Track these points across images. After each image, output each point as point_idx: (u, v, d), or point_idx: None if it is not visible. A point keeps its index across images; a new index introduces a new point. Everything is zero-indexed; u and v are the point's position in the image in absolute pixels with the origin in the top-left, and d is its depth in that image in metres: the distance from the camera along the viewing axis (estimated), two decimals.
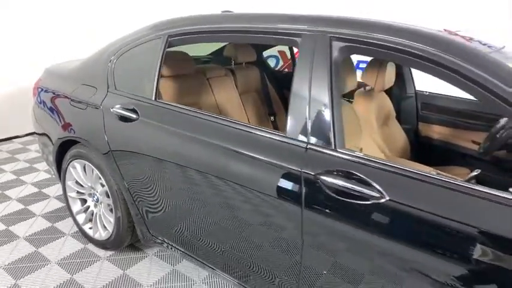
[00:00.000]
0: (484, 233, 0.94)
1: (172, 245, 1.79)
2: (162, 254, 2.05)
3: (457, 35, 1.29)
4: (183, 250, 1.74)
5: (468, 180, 1.06)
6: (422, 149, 2.19)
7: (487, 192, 0.94)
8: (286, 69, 3.92)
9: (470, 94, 1.06)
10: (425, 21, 1.48)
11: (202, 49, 2.90)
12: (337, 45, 1.24)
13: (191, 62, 2.14)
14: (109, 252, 2.05)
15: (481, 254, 0.93)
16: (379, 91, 1.93)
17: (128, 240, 1.99)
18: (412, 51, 1.11)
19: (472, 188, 0.96)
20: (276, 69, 4.00)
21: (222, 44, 2.72)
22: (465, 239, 0.96)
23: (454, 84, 1.07)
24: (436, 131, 2.20)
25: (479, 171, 1.25)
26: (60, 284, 1.82)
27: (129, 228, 1.93)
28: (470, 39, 1.31)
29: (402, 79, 2.25)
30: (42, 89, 2.27)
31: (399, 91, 2.28)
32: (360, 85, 1.94)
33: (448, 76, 1.06)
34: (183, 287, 1.81)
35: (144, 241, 1.94)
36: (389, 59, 1.55)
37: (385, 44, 1.15)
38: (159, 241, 1.84)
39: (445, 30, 1.34)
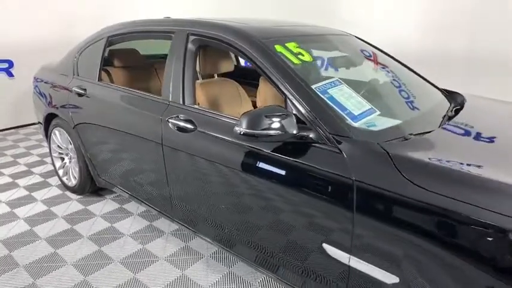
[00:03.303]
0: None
1: (120, 188, 2.48)
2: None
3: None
4: (128, 192, 2.40)
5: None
6: None
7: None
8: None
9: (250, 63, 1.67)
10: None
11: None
12: (191, 38, 1.91)
13: (140, 56, 2.87)
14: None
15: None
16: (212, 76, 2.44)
17: (89, 185, 2.74)
18: (222, 40, 1.75)
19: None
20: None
21: None
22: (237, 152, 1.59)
23: (242, 57, 1.70)
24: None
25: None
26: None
27: (88, 176, 2.68)
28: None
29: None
30: (37, 79, 3.09)
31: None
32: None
33: (238, 53, 1.69)
34: None
35: (100, 185, 2.67)
36: (207, 44, 1.96)
37: (209, 36, 1.81)
38: (110, 185, 2.55)
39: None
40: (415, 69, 2.28)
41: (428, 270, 1.10)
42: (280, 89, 1.50)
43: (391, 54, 2.32)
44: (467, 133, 1.52)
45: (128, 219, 2.54)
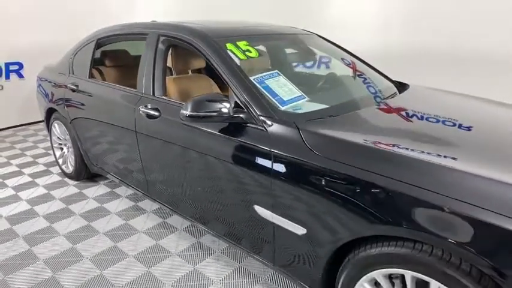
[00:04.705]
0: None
1: (110, 174, 2.81)
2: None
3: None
4: (116, 177, 2.73)
5: None
6: None
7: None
8: None
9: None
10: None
11: None
12: (161, 38, 2.22)
13: (129, 56, 3.21)
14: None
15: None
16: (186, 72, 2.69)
17: (84, 172, 3.08)
18: (183, 39, 2.05)
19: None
20: None
21: None
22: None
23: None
24: None
25: None
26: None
27: (82, 164, 3.02)
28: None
29: None
30: (40, 79, 3.46)
31: None
32: None
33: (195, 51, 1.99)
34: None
35: (93, 171, 3.01)
36: (176, 44, 2.21)
37: (174, 36, 2.11)
38: (102, 171, 2.88)
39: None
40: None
41: (326, 221, 1.37)
42: (225, 80, 1.79)
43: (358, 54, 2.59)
44: (386, 114, 1.79)
45: (117, 201, 2.87)
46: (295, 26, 2.72)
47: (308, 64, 2.39)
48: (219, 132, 1.72)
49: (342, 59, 2.45)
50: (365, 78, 2.35)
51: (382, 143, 1.37)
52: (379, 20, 4.08)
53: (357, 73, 2.39)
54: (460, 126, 1.62)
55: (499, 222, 1.00)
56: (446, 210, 1.09)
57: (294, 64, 2.33)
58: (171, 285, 1.93)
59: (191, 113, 1.62)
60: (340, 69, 2.38)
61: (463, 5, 3.47)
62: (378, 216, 1.22)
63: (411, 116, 1.75)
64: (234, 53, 1.90)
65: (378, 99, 2.01)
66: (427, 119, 1.72)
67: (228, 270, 2.04)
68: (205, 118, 1.62)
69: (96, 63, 2.99)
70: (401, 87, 2.34)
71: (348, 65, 2.41)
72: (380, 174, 1.23)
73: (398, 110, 1.87)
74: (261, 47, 2.12)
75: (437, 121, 1.68)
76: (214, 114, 1.61)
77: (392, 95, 2.10)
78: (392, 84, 2.37)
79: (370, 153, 1.33)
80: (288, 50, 2.42)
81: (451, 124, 1.65)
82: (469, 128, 1.61)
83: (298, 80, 1.98)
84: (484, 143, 1.49)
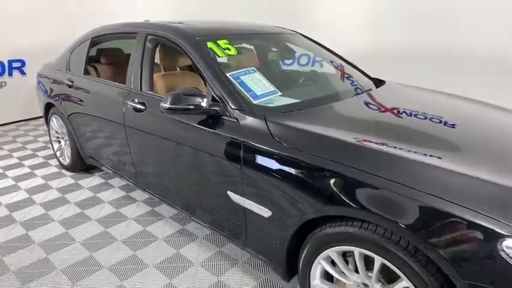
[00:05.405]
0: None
1: (103, 165, 2.96)
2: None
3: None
4: (109, 168, 2.87)
5: None
6: None
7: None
8: None
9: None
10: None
11: None
12: (148, 37, 2.36)
13: (123, 54, 3.35)
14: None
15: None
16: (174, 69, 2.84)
17: (79, 164, 3.24)
18: (168, 38, 2.19)
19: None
20: None
21: None
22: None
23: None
24: None
25: None
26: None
27: (78, 156, 3.18)
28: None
29: None
30: (40, 75, 3.62)
31: None
32: None
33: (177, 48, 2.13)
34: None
35: (88, 163, 3.16)
36: (162, 42, 2.37)
37: (160, 35, 2.26)
38: (97, 163, 3.03)
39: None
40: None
41: (287, 204, 1.51)
42: (203, 75, 1.93)
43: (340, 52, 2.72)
44: (356, 107, 1.93)
45: (110, 191, 3.03)
46: (282, 26, 2.85)
47: (288, 62, 2.53)
48: (197, 124, 1.86)
49: (323, 58, 2.58)
50: (343, 75, 2.48)
51: (338, 132, 1.51)
52: (368, 19, 4.21)
53: (336, 70, 2.52)
54: (416, 115, 1.76)
55: (433, 203, 1.13)
56: (388, 193, 1.22)
57: (275, 61, 2.46)
58: (154, 266, 2.08)
59: (170, 105, 1.76)
60: (320, 67, 2.51)
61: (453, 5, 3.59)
62: (329, 199, 1.35)
63: (376, 109, 1.88)
64: (214, 51, 2.04)
65: (351, 94, 2.14)
66: (390, 110, 1.85)
67: (208, 254, 2.19)
68: (183, 110, 1.77)
69: (91, 60, 3.14)
70: (379, 83, 2.47)
71: (328, 62, 2.54)
72: (332, 161, 1.37)
73: (365, 103, 2.00)
74: (248, 46, 2.25)
75: (400, 112, 1.82)
76: (191, 107, 1.75)
77: (367, 90, 2.23)
78: (371, 81, 2.50)
79: (325, 141, 1.47)
80: (271, 49, 2.55)
81: (411, 115, 1.78)
82: (425, 117, 1.74)
83: (276, 76, 2.12)
84: (437, 132, 1.62)
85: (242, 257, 2.15)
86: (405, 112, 1.83)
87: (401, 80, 2.62)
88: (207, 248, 2.25)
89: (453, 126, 1.69)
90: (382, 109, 1.94)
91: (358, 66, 2.69)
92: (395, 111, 1.88)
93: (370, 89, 2.29)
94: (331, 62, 2.58)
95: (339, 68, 2.54)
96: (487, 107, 2.09)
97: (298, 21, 4.22)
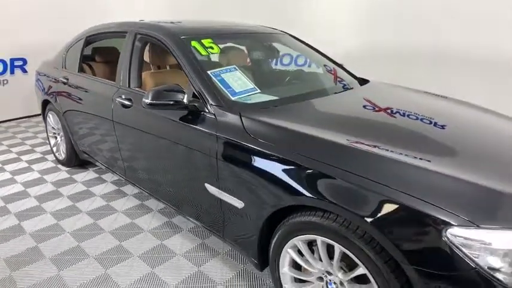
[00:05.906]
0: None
1: (97, 161, 3.06)
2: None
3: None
4: (101, 164, 2.97)
5: None
6: None
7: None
8: None
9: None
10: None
11: None
12: (138, 36, 2.45)
13: (117, 53, 3.44)
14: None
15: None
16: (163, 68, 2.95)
17: (74, 159, 3.34)
18: (155, 37, 2.28)
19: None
20: None
21: None
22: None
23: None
24: None
25: None
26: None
27: (72, 151, 3.28)
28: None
29: None
30: (38, 73, 3.73)
31: None
32: None
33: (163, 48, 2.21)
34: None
35: (82, 158, 3.26)
36: (150, 41, 2.45)
37: (148, 34, 2.34)
38: (91, 158, 3.13)
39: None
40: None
41: (257, 194, 1.58)
42: (185, 72, 2.01)
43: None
44: (332, 104, 2.00)
45: (102, 185, 3.12)
46: (270, 26, 2.93)
47: (272, 61, 2.60)
48: (178, 120, 1.94)
49: (308, 57, 2.65)
50: (326, 74, 2.55)
51: (306, 127, 1.58)
52: (357, 19, 4.27)
53: (320, 69, 2.59)
54: (392, 112, 1.82)
55: (387, 193, 1.20)
56: (345, 183, 1.29)
57: (259, 60, 2.54)
58: (138, 256, 2.17)
59: (151, 101, 1.84)
60: (304, 66, 2.58)
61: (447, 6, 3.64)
62: (293, 190, 1.42)
63: (352, 105, 1.95)
64: (197, 49, 2.12)
65: (331, 92, 2.20)
66: (365, 107, 1.92)
67: (191, 246, 2.27)
68: (163, 106, 1.85)
69: (86, 58, 3.24)
70: (363, 82, 2.53)
71: (313, 62, 2.61)
72: (298, 154, 1.44)
73: (343, 101, 2.07)
74: (234, 45, 2.34)
75: (375, 109, 1.88)
76: (171, 102, 1.83)
77: (348, 89, 2.30)
78: (355, 80, 2.56)
79: (292, 135, 1.54)
80: (256, 48, 2.63)
81: (389, 112, 1.84)
82: (400, 114, 1.80)
83: (259, 74, 2.19)
84: (406, 128, 1.68)
85: (223, 249, 2.22)
86: (382, 109, 1.89)
87: (394, 80, 2.67)
88: (190, 240, 2.33)
89: (422, 120, 1.75)
90: (358, 106, 2.00)
91: (344, 66, 2.76)
92: (371, 107, 1.95)
93: (352, 88, 2.36)
94: (316, 61, 2.65)
95: (323, 67, 2.61)
96: (461, 106, 2.14)
97: (301, 24, 4.30)
